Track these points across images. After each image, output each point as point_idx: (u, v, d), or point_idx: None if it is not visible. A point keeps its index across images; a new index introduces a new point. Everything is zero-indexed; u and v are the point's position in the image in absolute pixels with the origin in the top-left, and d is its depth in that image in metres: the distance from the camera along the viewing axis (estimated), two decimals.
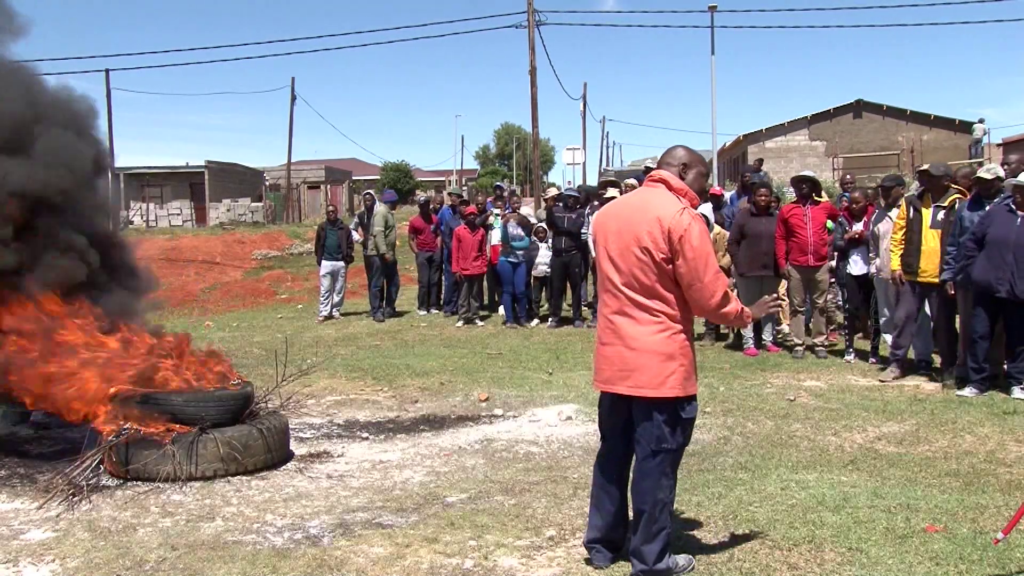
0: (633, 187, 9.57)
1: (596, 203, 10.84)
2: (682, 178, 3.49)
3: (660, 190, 3.45)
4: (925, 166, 7.61)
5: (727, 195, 11.89)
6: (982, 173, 7.08)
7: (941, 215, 7.14)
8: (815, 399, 6.84)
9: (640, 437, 3.41)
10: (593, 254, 8.16)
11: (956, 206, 7.10)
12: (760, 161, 13.20)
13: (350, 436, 6.09)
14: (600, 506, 3.61)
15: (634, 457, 3.50)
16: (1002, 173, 7.20)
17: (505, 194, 13.76)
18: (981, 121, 32.11)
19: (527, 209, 12.47)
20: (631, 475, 3.49)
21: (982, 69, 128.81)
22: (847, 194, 9.55)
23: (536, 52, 25.92)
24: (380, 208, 13.06)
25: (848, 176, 10.83)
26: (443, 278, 13.19)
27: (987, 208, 6.82)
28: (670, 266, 3.31)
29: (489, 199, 13.71)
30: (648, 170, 12.18)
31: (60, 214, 5.61)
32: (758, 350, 8.97)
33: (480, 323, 11.80)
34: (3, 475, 5.20)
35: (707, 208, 9.89)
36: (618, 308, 3.41)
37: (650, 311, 3.35)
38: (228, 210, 35.34)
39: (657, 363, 3.32)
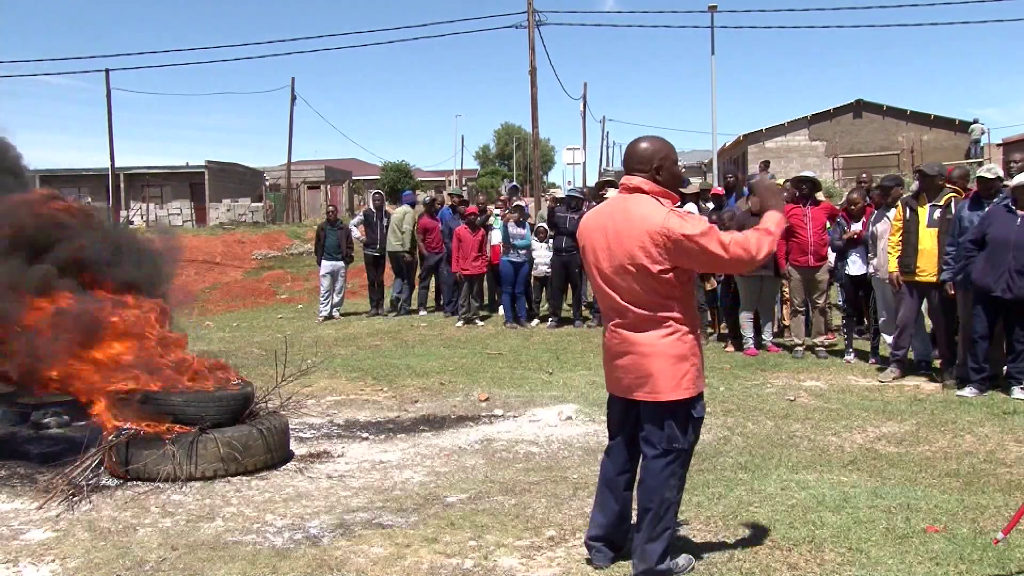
0: None
1: (595, 203, 10.83)
2: (656, 178, 3.40)
3: (639, 198, 3.36)
4: (921, 166, 7.63)
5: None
6: (984, 173, 7.08)
7: (937, 214, 7.15)
8: (815, 399, 6.84)
9: (650, 437, 3.40)
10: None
11: (952, 205, 7.12)
12: (767, 163, 13.13)
13: (350, 436, 6.09)
14: (604, 504, 3.61)
15: (642, 457, 3.48)
16: (1002, 173, 7.21)
17: (507, 194, 13.80)
18: (976, 121, 32.20)
19: (521, 204, 12.50)
20: (640, 474, 3.48)
21: (982, 69, 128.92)
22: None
23: (536, 52, 25.94)
24: (405, 207, 13.25)
25: (864, 175, 10.77)
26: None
27: (986, 208, 6.83)
28: (670, 275, 3.28)
29: (497, 199, 13.77)
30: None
31: None
32: (758, 350, 8.98)
33: (480, 323, 11.80)
34: (3, 475, 5.20)
35: (691, 207, 9.88)
36: (624, 322, 3.39)
37: (657, 318, 3.34)
38: (228, 210, 35.37)
39: (671, 366, 3.33)
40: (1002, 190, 6.96)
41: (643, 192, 3.38)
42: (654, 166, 3.40)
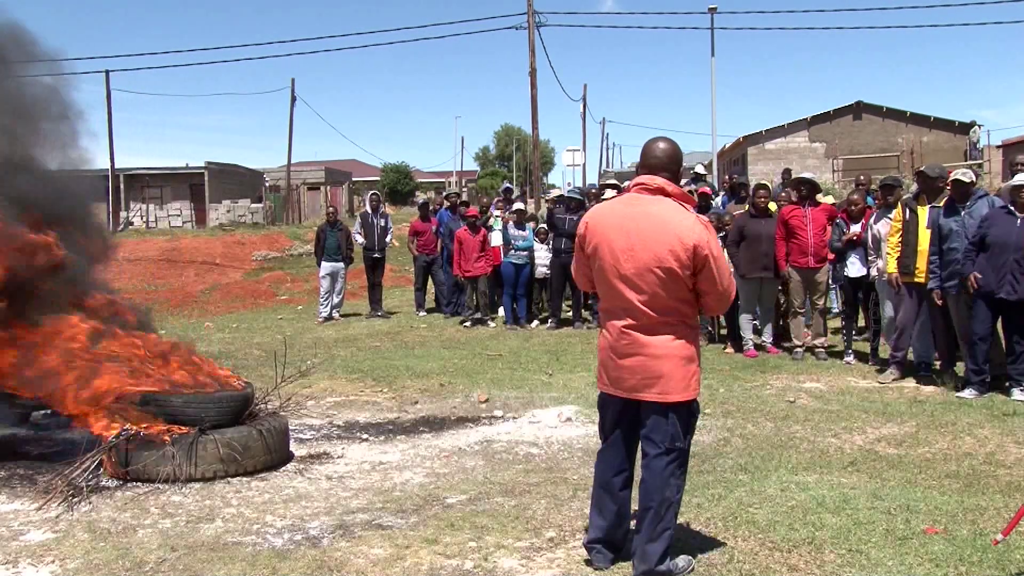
0: None
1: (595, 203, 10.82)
2: (677, 180, 3.47)
3: (665, 201, 3.38)
4: (922, 168, 7.65)
5: (718, 199, 11.75)
6: (959, 176, 7.08)
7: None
8: (815, 401, 6.84)
9: (651, 436, 3.42)
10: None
11: (937, 212, 7.14)
12: (788, 171, 13.04)
13: (350, 437, 6.09)
14: (602, 506, 3.61)
15: (642, 456, 3.50)
16: (973, 176, 7.25)
17: (514, 194, 13.83)
18: (972, 123, 32.32)
19: (520, 205, 12.49)
20: (642, 473, 3.50)
21: (982, 71, 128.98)
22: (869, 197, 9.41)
23: (536, 53, 25.97)
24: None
25: (862, 177, 10.74)
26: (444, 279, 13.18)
27: (962, 212, 6.86)
28: (692, 279, 3.33)
29: (496, 200, 13.77)
30: (698, 176, 12.09)
31: None
32: (758, 352, 8.98)
33: (491, 323, 11.76)
34: (3, 476, 5.20)
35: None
36: (636, 324, 3.39)
37: (670, 321, 3.37)
38: (228, 211, 35.35)
39: (681, 368, 3.36)
40: (976, 192, 7.01)
41: (666, 193, 3.39)
42: (677, 168, 3.47)
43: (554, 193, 13.39)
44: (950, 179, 7.11)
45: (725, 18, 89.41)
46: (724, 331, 9.86)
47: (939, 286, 6.96)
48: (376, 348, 10.22)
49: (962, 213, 6.89)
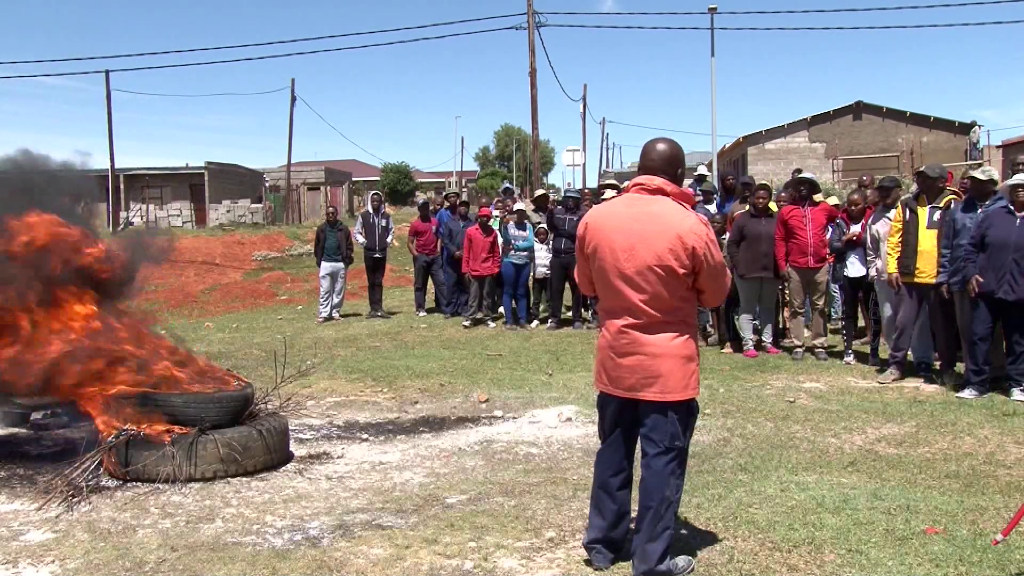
0: None
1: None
2: (676, 181, 3.48)
3: (665, 201, 3.39)
4: (922, 168, 7.65)
5: (712, 205, 11.67)
6: (976, 174, 7.10)
7: (937, 215, 7.17)
8: (815, 401, 6.84)
9: (652, 435, 3.42)
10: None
11: (952, 207, 7.14)
12: (799, 171, 12.97)
13: (350, 437, 6.09)
14: (601, 507, 3.61)
15: (641, 455, 3.50)
16: (996, 175, 7.24)
17: (515, 195, 13.83)
18: (972, 123, 32.35)
19: (521, 205, 12.46)
20: (642, 472, 3.50)
21: (982, 71, 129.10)
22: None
23: (536, 53, 26.00)
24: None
25: (864, 177, 10.70)
26: (443, 279, 13.16)
27: (979, 210, 6.87)
28: (691, 278, 3.35)
29: (495, 200, 13.77)
30: (702, 178, 12.08)
31: None
32: (758, 352, 8.98)
33: (492, 324, 11.73)
34: (3, 476, 5.19)
35: None
36: (636, 323, 3.40)
37: (670, 321, 3.38)
38: (228, 211, 35.38)
39: (680, 367, 3.37)
40: (995, 192, 7.01)
41: (665, 193, 3.40)
42: (679, 168, 3.48)
43: (538, 192, 13.47)
44: (967, 176, 7.11)
45: (725, 18, 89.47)
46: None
47: (948, 281, 6.96)
48: (376, 348, 10.22)
49: (979, 210, 6.89)
